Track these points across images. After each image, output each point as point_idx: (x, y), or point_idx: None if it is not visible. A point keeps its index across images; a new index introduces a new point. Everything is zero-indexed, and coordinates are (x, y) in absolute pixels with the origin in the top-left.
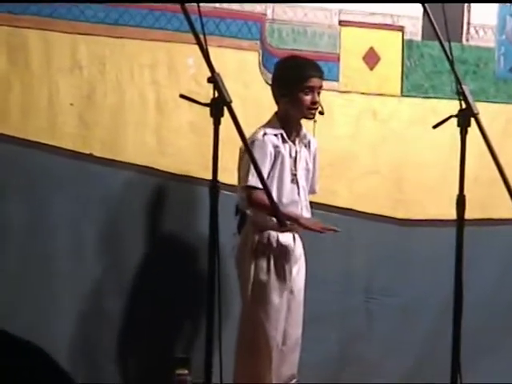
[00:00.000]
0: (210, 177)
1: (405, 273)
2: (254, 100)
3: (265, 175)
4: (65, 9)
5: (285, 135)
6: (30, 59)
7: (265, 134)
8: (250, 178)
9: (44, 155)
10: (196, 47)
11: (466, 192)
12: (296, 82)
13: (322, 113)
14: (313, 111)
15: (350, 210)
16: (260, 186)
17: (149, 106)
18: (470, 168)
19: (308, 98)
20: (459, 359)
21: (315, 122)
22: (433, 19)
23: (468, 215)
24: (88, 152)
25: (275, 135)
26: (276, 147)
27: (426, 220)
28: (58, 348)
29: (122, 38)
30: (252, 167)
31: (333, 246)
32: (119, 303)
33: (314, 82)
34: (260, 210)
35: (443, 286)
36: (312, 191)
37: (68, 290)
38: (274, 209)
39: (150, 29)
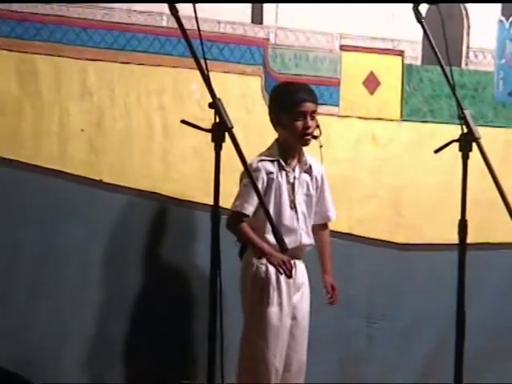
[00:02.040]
0: (212, 202)
1: (404, 297)
2: (257, 125)
3: (255, 199)
4: (74, 34)
5: (282, 162)
6: (41, 85)
7: (260, 160)
8: (237, 203)
9: (55, 181)
10: None
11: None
12: (287, 108)
13: (315, 137)
14: (307, 137)
15: (350, 234)
16: (244, 211)
17: (155, 132)
18: (468, 191)
19: (300, 123)
20: None
21: (321, 147)
22: (433, 43)
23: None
24: (98, 178)
25: (271, 162)
26: (269, 173)
27: (425, 244)
28: (65, 371)
29: (129, 63)
30: (242, 193)
31: (333, 270)
32: (125, 327)
33: (306, 106)
34: (237, 236)
35: (443, 310)
36: (326, 218)
37: (77, 314)
38: (275, 234)
39: (157, 54)
